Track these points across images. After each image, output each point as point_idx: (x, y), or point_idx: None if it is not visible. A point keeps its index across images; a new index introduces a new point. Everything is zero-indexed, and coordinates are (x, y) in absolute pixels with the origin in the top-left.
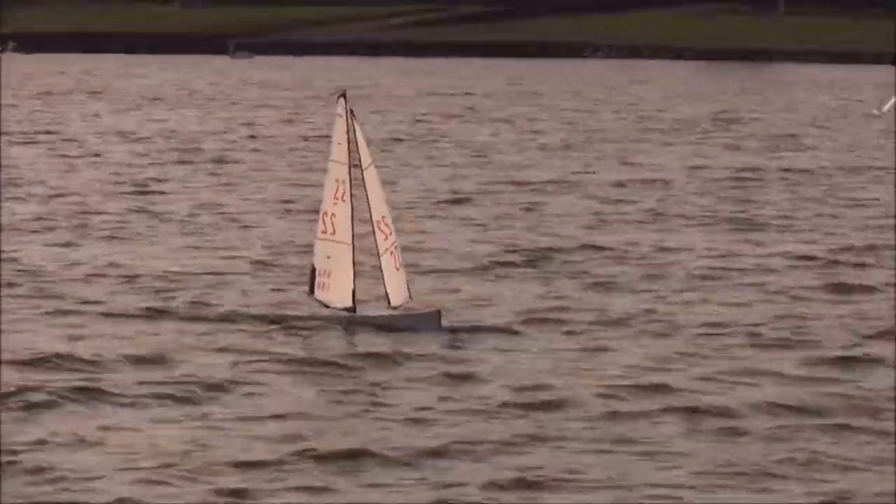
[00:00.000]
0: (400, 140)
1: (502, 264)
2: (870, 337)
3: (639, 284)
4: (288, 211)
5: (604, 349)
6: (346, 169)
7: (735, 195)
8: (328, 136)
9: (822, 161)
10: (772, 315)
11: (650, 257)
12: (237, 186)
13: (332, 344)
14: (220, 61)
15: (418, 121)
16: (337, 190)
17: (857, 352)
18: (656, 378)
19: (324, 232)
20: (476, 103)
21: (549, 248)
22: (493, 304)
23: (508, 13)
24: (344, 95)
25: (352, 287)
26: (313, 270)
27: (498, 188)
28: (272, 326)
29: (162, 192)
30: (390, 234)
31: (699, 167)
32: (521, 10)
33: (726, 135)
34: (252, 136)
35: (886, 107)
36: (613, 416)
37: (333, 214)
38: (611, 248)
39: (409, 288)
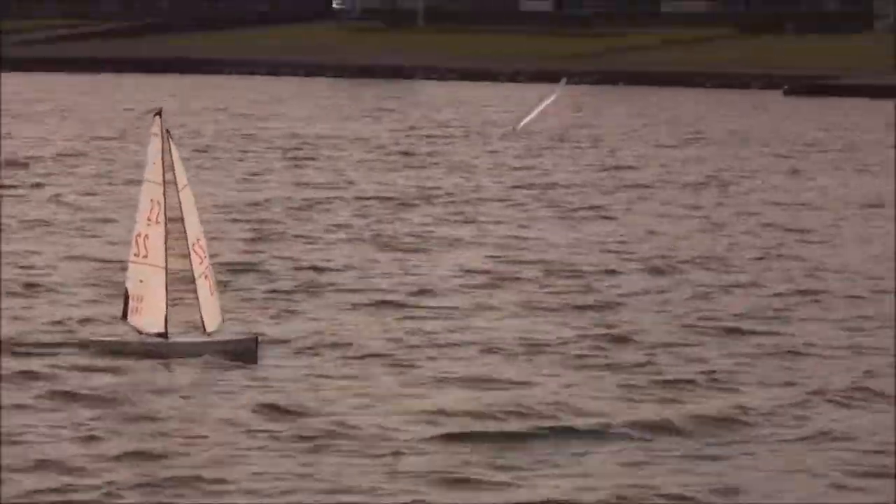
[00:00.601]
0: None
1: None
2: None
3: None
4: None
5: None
6: (161, 189)
7: (380, 215)
8: None
9: (466, 180)
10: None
11: (309, 276)
12: None
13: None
14: None
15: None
16: (151, 210)
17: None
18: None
19: (136, 255)
20: (139, 120)
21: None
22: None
23: (153, 28)
24: (160, 114)
25: (164, 312)
26: (126, 294)
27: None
28: (76, 351)
29: None
30: (205, 257)
31: (349, 184)
32: (170, 26)
33: (367, 153)
34: None
35: (522, 123)
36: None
37: (147, 236)
38: (266, 268)
39: (222, 312)
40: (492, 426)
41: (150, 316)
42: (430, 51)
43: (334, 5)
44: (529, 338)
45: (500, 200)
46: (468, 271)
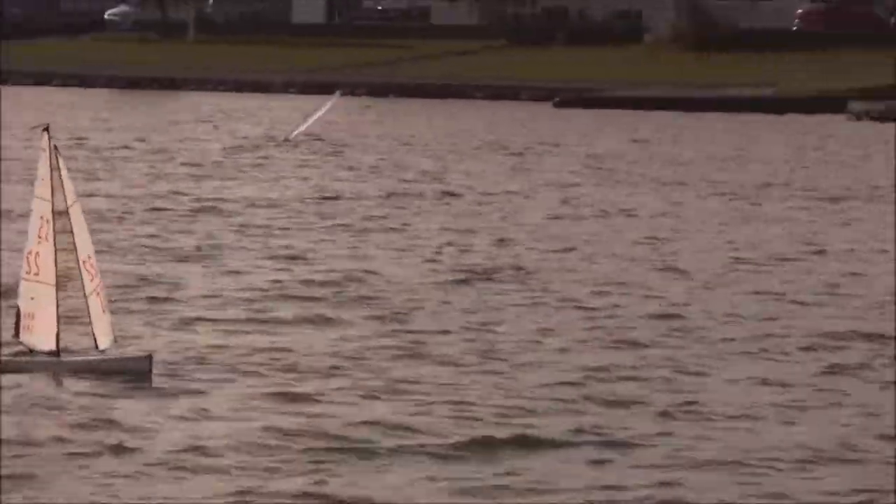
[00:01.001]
0: None
1: None
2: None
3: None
4: None
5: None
6: (49, 206)
7: (166, 225)
8: None
9: (240, 192)
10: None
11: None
12: None
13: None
14: None
15: None
16: (41, 228)
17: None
18: None
19: (28, 272)
20: None
21: None
22: None
23: None
24: (47, 129)
25: (56, 330)
26: (18, 312)
27: None
28: None
29: None
30: (96, 274)
31: (133, 195)
32: None
33: (146, 163)
34: None
35: (295, 133)
36: None
37: (38, 254)
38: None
39: (113, 330)
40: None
41: (41, 334)
42: (202, 62)
43: (106, 17)
44: (332, 351)
45: (277, 207)
46: (273, 281)
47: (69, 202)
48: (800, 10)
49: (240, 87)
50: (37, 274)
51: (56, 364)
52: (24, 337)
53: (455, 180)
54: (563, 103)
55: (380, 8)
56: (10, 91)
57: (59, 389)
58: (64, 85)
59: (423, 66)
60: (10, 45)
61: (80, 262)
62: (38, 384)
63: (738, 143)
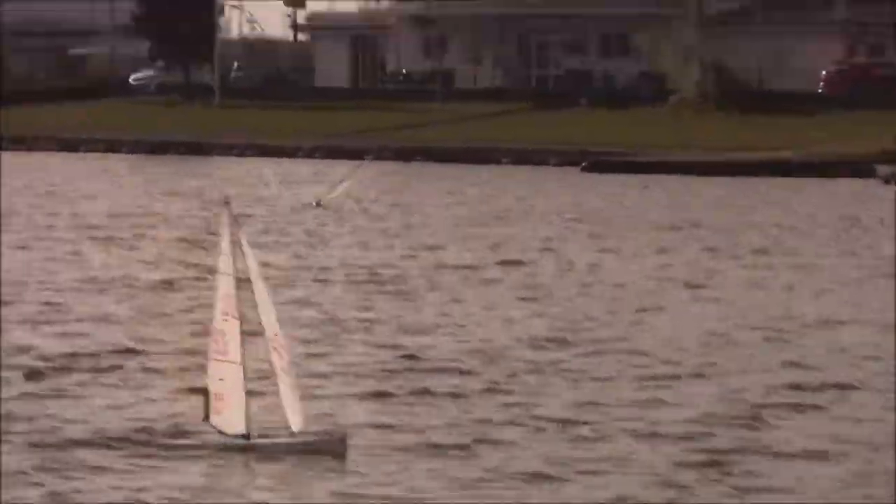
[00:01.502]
0: None
1: None
2: None
3: None
4: None
5: None
6: (233, 281)
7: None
8: None
9: (287, 257)
10: None
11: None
12: None
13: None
14: None
15: None
16: (227, 304)
17: None
18: None
19: (216, 352)
20: None
21: None
22: None
23: None
24: (229, 202)
25: (245, 410)
26: (207, 394)
27: None
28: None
29: None
30: (285, 352)
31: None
32: None
33: (178, 232)
34: None
35: (327, 199)
36: None
37: (224, 332)
38: None
39: (305, 409)
40: None
41: (231, 415)
42: (227, 127)
43: (131, 81)
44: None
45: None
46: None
47: (252, 277)
48: (824, 72)
49: (266, 151)
50: (225, 353)
51: (247, 447)
52: (214, 419)
53: (499, 247)
54: (591, 168)
55: (404, 71)
56: (35, 158)
57: (250, 474)
58: (91, 150)
59: (447, 130)
60: (32, 110)
61: (268, 340)
62: (228, 468)
63: (790, 210)
